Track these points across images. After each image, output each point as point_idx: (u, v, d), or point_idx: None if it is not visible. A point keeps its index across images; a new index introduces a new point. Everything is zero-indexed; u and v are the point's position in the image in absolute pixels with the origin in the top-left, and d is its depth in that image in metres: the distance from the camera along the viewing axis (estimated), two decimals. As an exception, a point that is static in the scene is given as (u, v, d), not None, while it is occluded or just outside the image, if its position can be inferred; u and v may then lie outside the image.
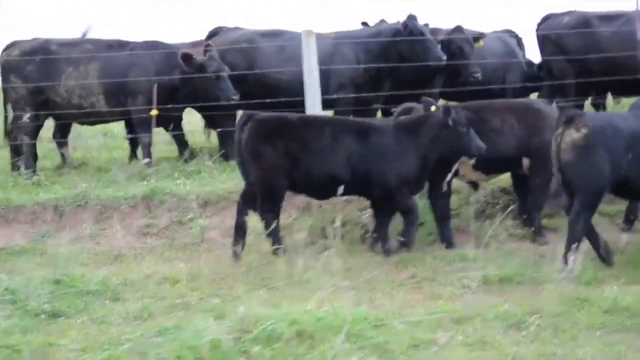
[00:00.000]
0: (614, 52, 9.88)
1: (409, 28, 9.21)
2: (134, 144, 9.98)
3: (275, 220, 6.63)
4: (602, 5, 12.19)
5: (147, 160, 8.78)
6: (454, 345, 4.71)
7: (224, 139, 9.45)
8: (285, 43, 9.32)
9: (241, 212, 6.79)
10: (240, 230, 6.77)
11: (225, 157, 9.20)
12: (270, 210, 6.65)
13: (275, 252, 6.59)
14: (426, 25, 9.57)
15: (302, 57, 7.76)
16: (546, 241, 7.15)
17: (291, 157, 6.63)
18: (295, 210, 7.62)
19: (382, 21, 10.70)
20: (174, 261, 6.89)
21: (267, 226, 6.64)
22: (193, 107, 9.68)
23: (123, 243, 7.38)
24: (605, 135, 6.03)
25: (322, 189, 6.78)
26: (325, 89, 9.00)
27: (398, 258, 6.61)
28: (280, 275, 6.05)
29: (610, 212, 7.65)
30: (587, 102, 11.77)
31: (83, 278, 6.15)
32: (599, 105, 11.95)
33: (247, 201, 6.80)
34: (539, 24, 11.01)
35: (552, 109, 7.95)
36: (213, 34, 9.92)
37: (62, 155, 10.03)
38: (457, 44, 9.89)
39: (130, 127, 9.71)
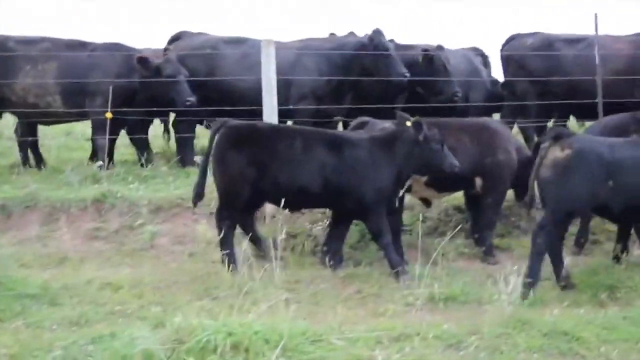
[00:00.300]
0: (575, 75, 9.98)
1: (374, 42, 9.21)
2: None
3: (230, 229, 6.52)
4: (572, 27, 12.34)
5: (100, 163, 8.65)
6: (391, 363, 4.67)
7: (181, 144, 9.35)
8: (248, 50, 9.26)
9: (246, 225, 6.76)
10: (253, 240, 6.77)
11: (182, 162, 9.11)
12: (227, 218, 6.54)
13: (223, 261, 6.50)
14: (391, 41, 9.58)
15: (261, 66, 7.70)
16: (496, 261, 7.16)
17: (259, 166, 6.50)
18: (248, 219, 7.53)
19: (351, 33, 10.70)
20: (120, 267, 6.80)
21: (219, 233, 6.52)
22: (151, 111, 9.56)
23: (70, 246, 7.25)
24: (588, 160, 6.05)
25: (292, 200, 6.63)
26: (286, 99, 8.97)
27: (345, 273, 6.56)
28: (225, 285, 5.99)
29: (561, 234, 7.68)
30: (550, 124, 11.88)
31: (23, 281, 6.05)
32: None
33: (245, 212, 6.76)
34: (504, 44, 11.10)
35: (507, 130, 8.01)
36: (175, 39, 9.84)
37: (25, 155, 9.80)
38: (440, 61, 9.90)
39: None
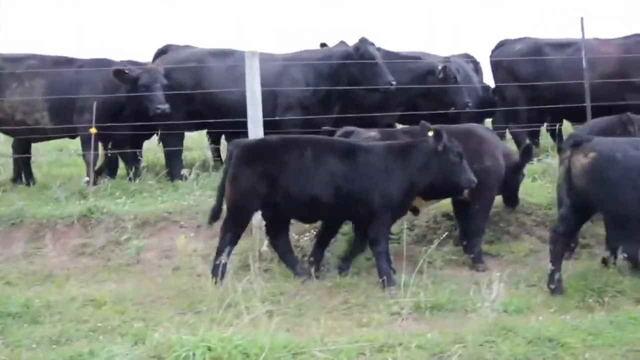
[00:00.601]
0: (563, 79, 9.96)
1: (360, 51, 9.18)
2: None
3: (231, 243, 6.47)
4: (559, 32, 12.33)
5: (86, 178, 8.62)
6: (372, 375, 4.62)
7: (169, 158, 9.32)
8: (234, 62, 9.24)
9: (276, 241, 6.76)
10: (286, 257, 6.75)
11: (170, 176, 9.08)
12: (231, 230, 6.48)
13: (212, 271, 6.45)
14: (378, 49, 9.56)
15: (245, 78, 7.67)
16: (485, 267, 7.10)
17: (270, 180, 6.41)
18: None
19: (342, 42, 10.68)
20: (105, 283, 6.75)
21: (221, 242, 6.48)
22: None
23: (56, 263, 7.21)
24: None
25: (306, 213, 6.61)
26: (272, 110, 8.94)
27: (332, 283, 6.50)
28: (209, 299, 5.93)
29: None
30: (543, 129, 11.85)
31: (6, 299, 6.01)
32: (556, 132, 11.98)
33: (273, 234, 6.75)
34: (493, 50, 11.10)
35: (494, 136, 7.96)
36: (162, 52, 9.82)
37: (18, 171, 9.78)
38: (453, 72, 9.93)
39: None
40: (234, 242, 6.51)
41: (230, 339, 4.81)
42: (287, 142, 6.62)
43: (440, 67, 9.84)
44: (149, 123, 9.32)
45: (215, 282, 6.22)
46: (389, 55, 10.05)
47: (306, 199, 6.43)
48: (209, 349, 4.70)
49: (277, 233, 6.78)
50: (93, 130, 8.47)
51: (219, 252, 6.43)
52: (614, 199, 5.92)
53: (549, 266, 6.24)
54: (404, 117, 10.56)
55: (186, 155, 9.98)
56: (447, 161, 6.47)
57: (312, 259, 6.92)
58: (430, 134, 6.56)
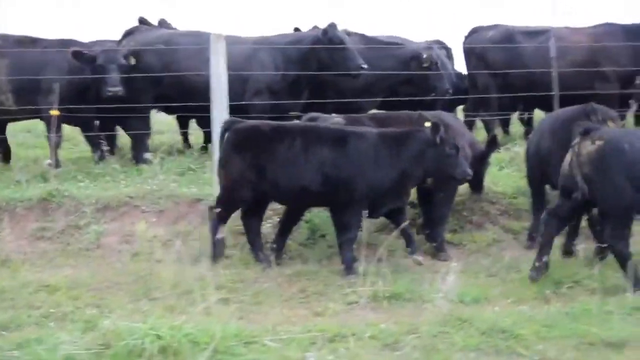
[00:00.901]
0: (534, 67, 9.92)
1: (329, 36, 9.08)
2: None
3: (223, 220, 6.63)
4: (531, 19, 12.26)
5: (48, 161, 8.48)
6: (323, 365, 4.57)
7: (134, 141, 9.19)
8: (203, 44, 9.08)
9: (249, 221, 6.75)
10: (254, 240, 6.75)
11: (135, 160, 8.96)
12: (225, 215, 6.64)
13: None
14: (347, 32, 9.47)
15: (210, 62, 7.56)
16: (448, 256, 7.08)
17: (262, 166, 6.46)
18: (198, 218, 7.41)
19: (315, 27, 10.57)
20: (62, 268, 6.66)
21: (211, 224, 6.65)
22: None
23: (13, 247, 7.08)
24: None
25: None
26: (241, 94, 8.84)
27: (292, 271, 6.45)
28: (165, 286, 5.86)
29: (514, 228, 7.63)
30: (514, 116, 11.83)
31: (-43, 284, 5.90)
32: (528, 120, 11.97)
33: (247, 214, 6.73)
34: (466, 37, 11.03)
35: (460, 124, 7.93)
36: (129, 33, 9.65)
37: None
38: (436, 59, 9.91)
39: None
40: (224, 220, 6.65)
41: (181, 327, 4.75)
42: (279, 129, 6.59)
43: (425, 54, 9.78)
44: (117, 105, 9.15)
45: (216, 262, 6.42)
46: (371, 41, 10.03)
47: (297, 187, 6.43)
48: (159, 337, 4.63)
49: (253, 213, 6.74)
50: (55, 112, 8.32)
51: (212, 232, 6.58)
52: (614, 189, 5.89)
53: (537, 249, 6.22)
54: (384, 103, 10.49)
55: (154, 139, 9.84)
56: (443, 153, 6.43)
57: (274, 246, 6.87)
58: (428, 124, 6.55)
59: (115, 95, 8.49)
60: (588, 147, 5.99)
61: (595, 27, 10.26)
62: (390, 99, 9.75)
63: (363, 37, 10.11)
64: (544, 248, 6.22)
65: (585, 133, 6.06)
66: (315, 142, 6.48)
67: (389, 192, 6.48)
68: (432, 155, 6.44)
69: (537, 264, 6.17)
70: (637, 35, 10.02)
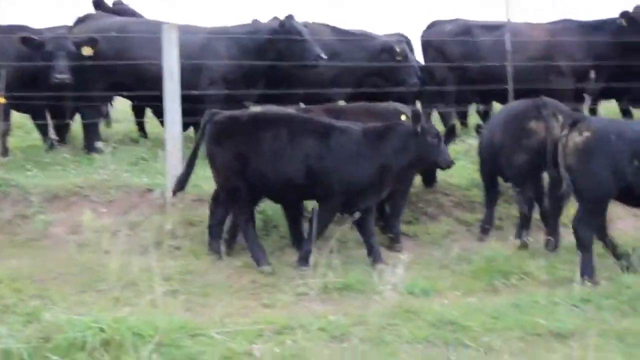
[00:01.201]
0: (491, 61, 9.98)
1: (286, 27, 9.00)
2: None
3: (249, 223, 6.39)
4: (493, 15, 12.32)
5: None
6: (269, 358, 4.52)
7: (86, 130, 9.01)
8: (158, 33, 8.93)
9: (216, 208, 6.60)
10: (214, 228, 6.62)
11: (87, 149, 8.79)
12: (240, 212, 6.42)
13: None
14: (305, 24, 9.40)
15: (162, 52, 7.43)
16: (402, 248, 7.07)
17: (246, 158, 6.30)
18: (149, 208, 7.29)
19: (275, 18, 10.48)
20: (7, 259, 6.47)
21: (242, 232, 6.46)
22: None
23: (-42, 238, 6.90)
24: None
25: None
26: (195, 84, 8.72)
27: (242, 262, 6.38)
28: (112, 277, 5.73)
29: (468, 220, 7.67)
30: (472, 109, 11.88)
31: None
32: (485, 113, 12.04)
33: (217, 201, 6.58)
34: (425, 31, 11.05)
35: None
36: (81, 20, 9.44)
37: None
38: (406, 51, 9.85)
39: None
40: (250, 219, 6.43)
41: (124, 319, 4.65)
42: (259, 119, 6.47)
43: (398, 47, 9.76)
44: (68, 94, 8.95)
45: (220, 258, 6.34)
46: (341, 33, 9.97)
47: (280, 179, 6.31)
48: (101, 330, 4.53)
49: (223, 201, 6.64)
50: (0, 100, 8.11)
51: (245, 237, 6.40)
52: (596, 179, 5.95)
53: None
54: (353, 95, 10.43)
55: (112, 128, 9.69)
56: (425, 143, 6.36)
57: (227, 236, 6.79)
58: (404, 117, 6.50)
59: (63, 82, 8.30)
60: (575, 138, 6.02)
61: (553, 23, 10.38)
62: (361, 90, 9.75)
63: (334, 29, 10.08)
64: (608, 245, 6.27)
65: (574, 124, 6.08)
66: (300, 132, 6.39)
67: (369, 187, 6.39)
68: (415, 146, 6.36)
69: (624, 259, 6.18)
70: (593, 31, 10.16)
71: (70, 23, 9.48)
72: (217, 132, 6.45)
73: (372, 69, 9.82)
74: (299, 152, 6.28)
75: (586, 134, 5.98)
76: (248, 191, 6.38)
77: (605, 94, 10.67)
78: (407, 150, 6.37)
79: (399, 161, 6.39)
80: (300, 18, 9.47)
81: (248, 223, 6.36)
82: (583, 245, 5.97)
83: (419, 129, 6.34)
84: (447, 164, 6.54)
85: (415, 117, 6.36)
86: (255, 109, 7.29)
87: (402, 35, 12.29)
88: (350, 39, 9.83)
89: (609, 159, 5.91)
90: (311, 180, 6.31)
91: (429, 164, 6.65)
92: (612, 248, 6.27)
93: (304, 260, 6.32)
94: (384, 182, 6.44)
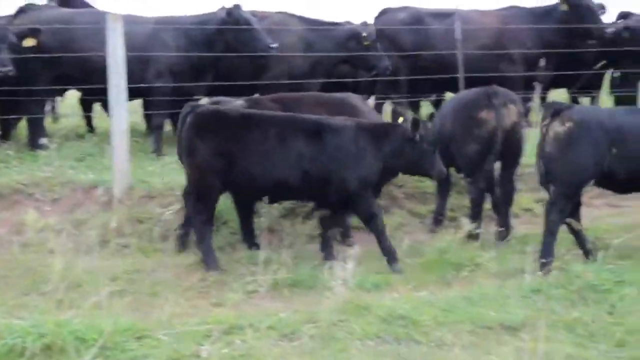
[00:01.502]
0: (443, 50, 9.96)
1: (234, 17, 8.86)
2: None
3: (207, 225, 6.11)
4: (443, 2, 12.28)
5: None
6: (217, 359, 4.42)
7: (31, 125, 8.75)
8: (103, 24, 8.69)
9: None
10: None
11: (31, 145, 8.54)
12: (202, 212, 6.08)
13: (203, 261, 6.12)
14: (253, 14, 9.26)
15: (107, 43, 7.22)
16: (353, 242, 7.00)
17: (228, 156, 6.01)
18: (95, 205, 7.11)
19: (223, 8, 10.29)
20: (-54, 261, 6.24)
21: (196, 232, 6.16)
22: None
23: None
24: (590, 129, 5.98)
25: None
26: (142, 77, 8.52)
27: (192, 260, 6.25)
28: (56, 278, 5.56)
29: (420, 212, 7.64)
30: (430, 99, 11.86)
31: None
32: (437, 102, 12.03)
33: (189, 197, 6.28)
34: (376, 19, 10.96)
35: (367, 106, 7.86)
36: (22, 11, 9.15)
37: None
38: (374, 37, 9.75)
39: None
40: (209, 223, 6.13)
41: (67, 323, 4.50)
42: (245, 115, 6.22)
43: (365, 33, 9.67)
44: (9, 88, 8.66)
45: (210, 272, 5.97)
46: (308, 22, 9.87)
47: (269, 179, 6.09)
48: (42, 335, 4.38)
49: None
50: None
51: (200, 242, 6.10)
52: (575, 168, 5.98)
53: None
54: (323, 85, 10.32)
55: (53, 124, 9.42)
56: (421, 150, 6.23)
57: (180, 232, 6.64)
58: (401, 120, 6.37)
59: (5, 75, 8.02)
60: (556, 127, 6.01)
61: (502, 9, 10.37)
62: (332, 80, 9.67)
63: (301, 19, 9.94)
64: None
65: (555, 114, 6.06)
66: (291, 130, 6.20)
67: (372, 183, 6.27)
68: (410, 152, 6.22)
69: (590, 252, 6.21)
70: (542, 18, 10.20)
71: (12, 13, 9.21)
72: (201, 124, 6.09)
73: (340, 56, 9.72)
74: (293, 153, 6.07)
75: (568, 124, 6.00)
76: (219, 193, 6.19)
77: (555, 82, 10.77)
78: (402, 154, 6.24)
79: (393, 163, 6.27)
80: (248, 8, 9.35)
81: (206, 225, 6.11)
82: (549, 229, 6.02)
83: (417, 136, 6.21)
84: (440, 175, 6.44)
85: (415, 124, 6.23)
86: (205, 100, 7.10)
87: (366, 24, 12.24)
88: (316, 28, 9.72)
89: (590, 147, 5.95)
90: (310, 182, 6.14)
91: (421, 173, 6.49)
92: (577, 234, 6.32)
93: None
94: (375, 184, 6.34)
